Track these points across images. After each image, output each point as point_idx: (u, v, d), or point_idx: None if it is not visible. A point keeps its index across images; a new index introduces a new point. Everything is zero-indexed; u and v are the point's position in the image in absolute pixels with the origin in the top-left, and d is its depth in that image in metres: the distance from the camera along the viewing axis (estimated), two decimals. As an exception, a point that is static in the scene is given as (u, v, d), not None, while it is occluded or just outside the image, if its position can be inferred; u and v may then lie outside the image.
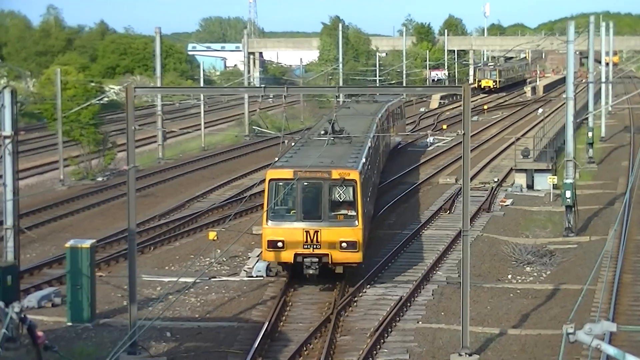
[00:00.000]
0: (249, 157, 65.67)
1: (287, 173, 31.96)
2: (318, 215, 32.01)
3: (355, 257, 31.77)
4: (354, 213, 32.04)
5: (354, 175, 32.13)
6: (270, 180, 31.74)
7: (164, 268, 37.86)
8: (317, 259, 31.25)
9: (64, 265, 30.93)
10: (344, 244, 31.37)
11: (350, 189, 32.09)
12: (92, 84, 59.24)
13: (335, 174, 31.89)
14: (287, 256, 31.49)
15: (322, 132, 41.46)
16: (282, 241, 31.45)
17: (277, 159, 36.65)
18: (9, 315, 9.79)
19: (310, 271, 31.15)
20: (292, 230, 31.73)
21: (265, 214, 31.95)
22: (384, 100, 64.48)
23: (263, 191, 33.17)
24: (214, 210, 44.78)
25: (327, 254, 31.21)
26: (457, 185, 51.44)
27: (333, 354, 25.74)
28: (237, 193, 47.58)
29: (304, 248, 31.42)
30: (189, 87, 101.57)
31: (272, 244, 31.46)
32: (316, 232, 31.50)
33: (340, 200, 32.64)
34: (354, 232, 31.70)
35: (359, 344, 27.64)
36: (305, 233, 31.45)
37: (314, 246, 31.41)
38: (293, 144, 42.55)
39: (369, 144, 42.17)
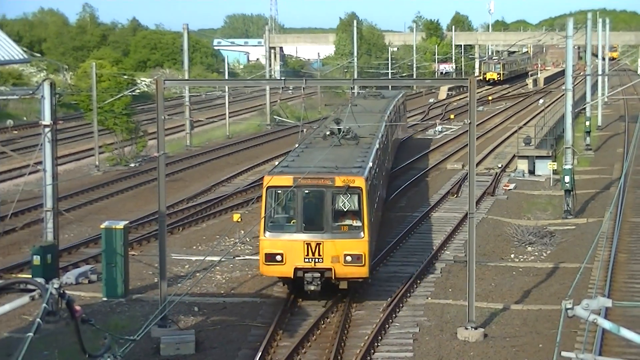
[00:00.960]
0: (270, 144, 68.14)
1: (286, 180, 28.72)
2: (320, 226, 28.83)
3: (361, 271, 28.69)
4: (359, 223, 28.94)
5: (360, 182, 28.90)
6: (268, 187, 28.41)
7: (192, 247, 39.04)
8: (319, 274, 28.13)
9: (99, 244, 31.98)
10: (348, 258, 28.25)
11: (356, 197, 28.97)
12: (125, 77, 61.31)
13: (339, 181, 28.65)
14: (287, 270, 28.43)
15: (328, 133, 38.15)
16: (281, 254, 28.38)
17: (277, 163, 34.01)
18: (49, 291, 9.56)
19: (312, 287, 28.16)
20: (292, 242, 28.65)
21: (262, 224, 28.73)
22: (390, 96, 62.23)
23: (260, 197, 29.37)
24: (238, 193, 46.30)
25: (330, 268, 28.09)
26: (464, 170, 52.75)
27: (348, 327, 26.50)
28: (259, 178, 47.82)
29: (304, 262, 28.33)
30: (215, 80, 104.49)
31: (270, 257, 28.41)
32: (318, 244, 28.36)
33: (345, 210, 29.46)
34: (360, 245, 28.57)
35: (373, 318, 28.68)
36: (306, 245, 28.35)
37: (316, 260, 28.29)
38: (297, 145, 39.41)
39: (377, 145, 39.10)
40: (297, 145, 38.03)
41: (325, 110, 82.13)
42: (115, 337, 10.73)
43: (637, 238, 42.08)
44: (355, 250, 28.01)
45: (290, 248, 27.98)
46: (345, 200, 28.97)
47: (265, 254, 28.11)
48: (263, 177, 31.77)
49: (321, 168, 29.60)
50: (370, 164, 31.76)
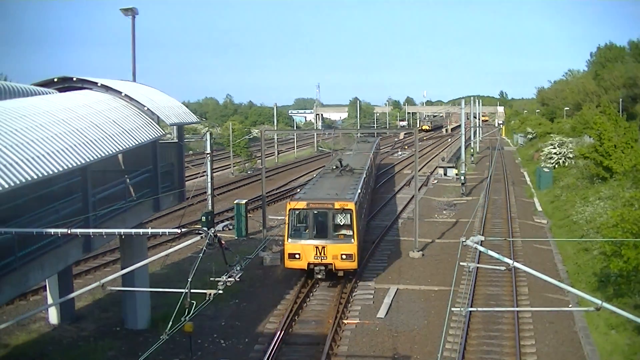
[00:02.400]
0: (317, 162, 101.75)
1: (302, 204, 34.83)
2: (325, 235, 34.56)
3: (352, 265, 34.59)
4: (351, 233, 34.53)
5: (351, 206, 34.56)
6: (290, 209, 34.65)
7: (277, 213, 53.81)
8: (324, 267, 34.12)
9: (233, 211, 42.26)
10: (343, 256, 33.99)
11: (349, 216, 34.71)
12: (245, 129, 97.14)
13: (337, 205, 34.58)
14: (303, 264, 34.37)
15: (334, 167, 46.92)
16: (299, 254, 34.19)
17: (298, 190, 40.56)
18: (209, 234, 12.79)
19: (319, 276, 34.39)
20: (306, 246, 34.25)
21: (286, 234, 34.51)
22: (372, 141, 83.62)
23: (285, 216, 35.34)
24: (301, 186, 58.29)
25: (332, 263, 34.08)
26: (412, 173, 68.24)
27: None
28: (309, 179, 60.74)
29: (314, 259, 34.09)
30: (289, 130, 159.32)
31: (291, 256, 34.31)
32: (323, 247, 34.04)
33: (341, 224, 35.40)
34: (351, 248, 34.15)
35: (368, 246, 42.39)
36: (315, 248, 34.05)
37: (322, 257, 33.96)
38: (315, 175, 49.01)
39: (365, 174, 46.05)
40: (315, 176, 45.94)
41: (343, 144, 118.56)
42: (241, 256, 14.03)
43: (495, 207, 59.66)
44: (348, 251, 34.12)
45: (305, 249, 34.43)
46: (342, 218, 35.67)
47: (288, 253, 34.84)
48: (288, 202, 37.18)
49: (326, 195, 36.80)
50: (359, 191, 38.54)
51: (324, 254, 34.04)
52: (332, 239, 34.48)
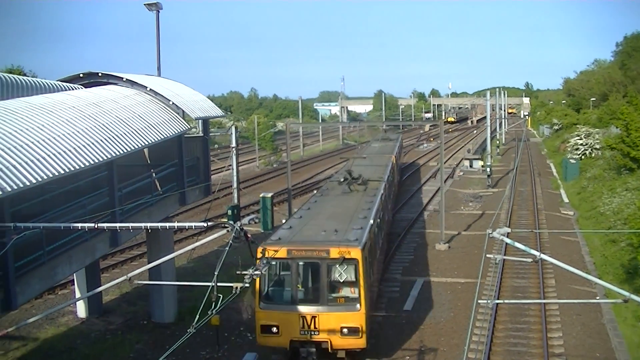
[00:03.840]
0: (343, 154, 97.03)
1: (280, 251, 23.28)
2: (316, 298, 23.69)
3: (359, 342, 23.64)
4: (356, 295, 23.64)
5: (356, 253, 23.52)
6: (263, 259, 19.94)
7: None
8: (314, 348, 23.40)
9: (259, 204, 38.09)
10: (345, 330, 23.32)
11: (352, 268, 23.66)
12: (270, 123, 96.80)
13: (335, 252, 23.46)
14: (283, 342, 23.67)
15: (341, 180, 36.61)
16: (277, 326, 23.56)
17: (275, 231, 26.54)
18: (235, 228, 13.05)
19: None
20: (287, 315, 23.53)
21: (257, 296, 23.72)
22: (394, 138, 72.97)
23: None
24: (327, 179, 56.59)
25: (327, 341, 23.32)
26: (437, 165, 63.91)
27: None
28: (335, 171, 62.70)
29: (300, 334, 23.38)
30: (314, 123, 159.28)
31: (266, 329, 23.71)
32: (314, 317, 23.34)
33: (341, 281, 24.08)
34: (356, 317, 23.40)
35: (395, 239, 43.01)
36: (301, 319, 23.32)
37: (312, 332, 23.30)
38: (316, 192, 37.70)
39: (383, 190, 36.32)
40: (315, 193, 37.73)
41: (369, 136, 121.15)
42: (265, 248, 14.38)
43: (521, 199, 59.67)
44: (352, 323, 23.55)
45: (286, 321, 23.75)
46: (342, 271, 24.17)
47: (260, 325, 24.13)
48: (260, 246, 24.44)
49: (319, 234, 25.26)
50: (372, 221, 27.39)
51: (315, 328, 23.37)
52: (327, 305, 23.64)
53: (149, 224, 16.03)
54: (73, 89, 27.90)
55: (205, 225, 15.16)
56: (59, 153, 18.45)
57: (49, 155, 17.91)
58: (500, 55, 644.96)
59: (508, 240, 15.11)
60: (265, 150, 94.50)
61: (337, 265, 23.72)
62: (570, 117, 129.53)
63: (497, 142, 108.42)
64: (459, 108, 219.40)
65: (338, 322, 23.27)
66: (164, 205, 29.52)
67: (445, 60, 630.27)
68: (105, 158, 20.68)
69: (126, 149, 22.22)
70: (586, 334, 28.17)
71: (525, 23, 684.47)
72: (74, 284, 32.67)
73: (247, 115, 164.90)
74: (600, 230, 43.74)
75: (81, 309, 32.20)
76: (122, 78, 30.03)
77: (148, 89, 29.48)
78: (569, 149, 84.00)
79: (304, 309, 23.39)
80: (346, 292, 23.98)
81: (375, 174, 39.75)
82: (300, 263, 23.77)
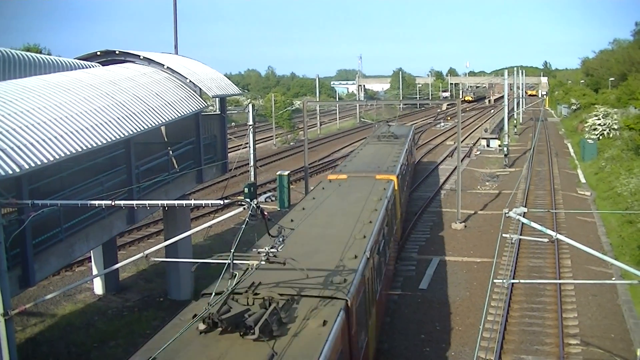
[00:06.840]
0: (359, 133, 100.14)
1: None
2: None
3: None
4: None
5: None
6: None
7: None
8: None
9: (276, 182, 38.95)
10: None
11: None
12: (287, 101, 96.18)
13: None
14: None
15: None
16: None
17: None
18: (252, 205, 12.92)
19: None
20: None
21: None
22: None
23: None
24: (343, 157, 63.76)
25: None
26: (454, 144, 70.50)
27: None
28: (351, 150, 64.06)
29: None
30: (331, 101, 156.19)
31: None
32: None
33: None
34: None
35: (410, 217, 43.37)
36: None
37: None
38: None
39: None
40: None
41: (386, 115, 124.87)
42: (282, 226, 14.13)
43: (538, 178, 59.35)
44: None
45: None
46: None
47: None
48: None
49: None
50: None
51: None
52: None
53: (165, 202, 16.04)
54: (90, 67, 27.96)
55: (221, 203, 14.92)
56: (77, 131, 18.52)
57: (66, 133, 17.98)
58: (519, 34, 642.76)
59: (524, 220, 15.01)
60: (282, 128, 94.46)
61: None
62: (589, 97, 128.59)
63: (515, 121, 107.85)
64: (477, 87, 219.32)
65: None
66: (181, 183, 29.63)
67: (463, 39, 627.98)
68: (122, 136, 20.77)
69: (143, 127, 22.30)
70: (602, 315, 28.17)
71: (544, 1, 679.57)
72: (91, 261, 32.96)
73: (264, 94, 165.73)
74: (617, 211, 43.64)
75: (98, 286, 32.51)
76: (139, 56, 30.10)
77: (165, 66, 29.52)
78: (586, 129, 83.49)
79: None
80: None
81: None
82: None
